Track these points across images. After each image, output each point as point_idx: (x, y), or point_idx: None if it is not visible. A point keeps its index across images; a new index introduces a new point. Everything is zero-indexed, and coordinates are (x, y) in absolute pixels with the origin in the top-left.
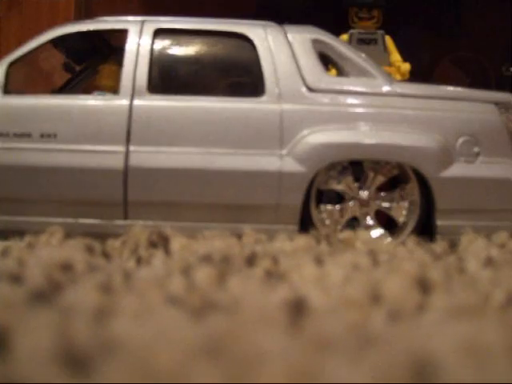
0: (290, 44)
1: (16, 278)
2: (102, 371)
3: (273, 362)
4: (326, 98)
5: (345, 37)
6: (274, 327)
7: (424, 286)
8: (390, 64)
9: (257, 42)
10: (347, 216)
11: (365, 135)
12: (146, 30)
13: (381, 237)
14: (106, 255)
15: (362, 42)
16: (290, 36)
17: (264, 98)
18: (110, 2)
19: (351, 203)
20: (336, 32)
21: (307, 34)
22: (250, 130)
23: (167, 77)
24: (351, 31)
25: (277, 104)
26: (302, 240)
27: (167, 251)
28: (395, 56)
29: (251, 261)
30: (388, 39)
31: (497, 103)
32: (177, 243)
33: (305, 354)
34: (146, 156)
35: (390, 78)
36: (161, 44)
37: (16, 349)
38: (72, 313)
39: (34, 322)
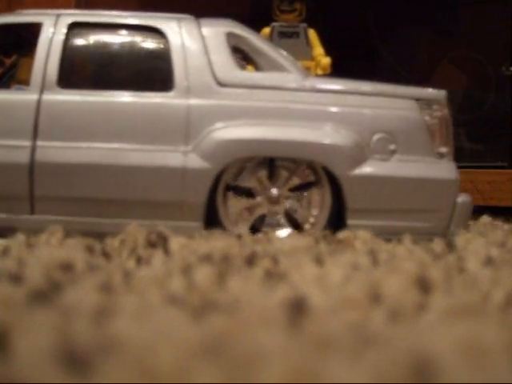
0: (203, 38)
1: (16, 278)
2: (101, 371)
3: (273, 362)
4: (237, 92)
5: (267, 30)
6: (274, 327)
7: (424, 285)
8: (312, 58)
9: (170, 36)
10: (256, 213)
11: (272, 131)
12: (60, 24)
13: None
14: (105, 255)
15: (284, 36)
16: (204, 30)
17: (172, 93)
18: (109, 2)
19: (259, 199)
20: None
21: (221, 28)
22: (156, 125)
23: (79, 71)
24: (273, 24)
25: (184, 99)
26: (302, 240)
27: (166, 251)
28: (317, 50)
29: (251, 261)
30: (311, 33)
31: (418, 99)
32: (176, 243)
33: (305, 353)
34: (52, 151)
35: (304, 73)
36: (75, 38)
37: (16, 349)
38: (72, 313)
39: (34, 322)
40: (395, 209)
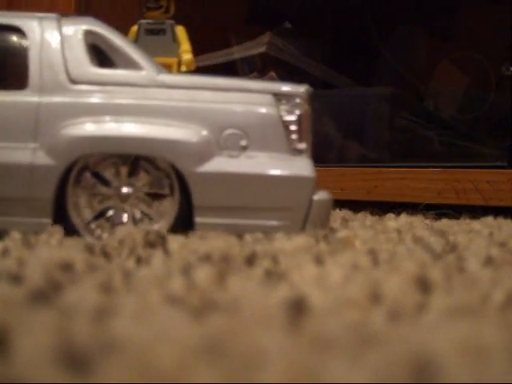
0: (62, 36)
1: (15, 278)
2: (101, 371)
3: (273, 362)
4: (89, 89)
5: (135, 28)
6: (274, 327)
7: (424, 285)
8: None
9: (29, 35)
10: (103, 205)
11: (118, 128)
12: None
13: None
14: (105, 255)
15: (150, 33)
16: (64, 28)
17: (26, 91)
18: (110, 0)
19: (109, 192)
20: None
21: (80, 26)
22: (7, 123)
23: None
24: (140, 21)
25: (36, 97)
26: (302, 239)
27: (166, 251)
28: (183, 46)
29: (251, 260)
30: (179, 30)
31: (275, 94)
32: (175, 243)
33: (305, 353)
34: None
35: (159, 70)
36: None
37: (15, 349)
38: (72, 313)
39: (34, 322)
40: (246, 206)
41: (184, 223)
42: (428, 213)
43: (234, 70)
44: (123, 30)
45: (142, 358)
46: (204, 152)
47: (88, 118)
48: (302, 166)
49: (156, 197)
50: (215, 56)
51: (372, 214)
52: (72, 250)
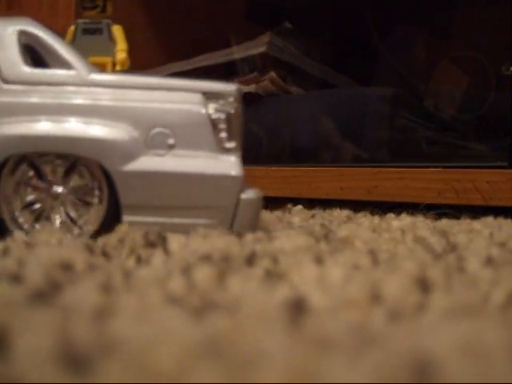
0: None
1: (15, 278)
2: (101, 371)
3: (273, 362)
4: (20, 89)
5: (72, 28)
6: (274, 327)
7: (424, 285)
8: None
9: None
10: (28, 199)
11: (46, 127)
12: None
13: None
14: (105, 255)
15: (87, 32)
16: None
17: None
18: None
19: (40, 185)
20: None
21: (14, 26)
22: None
23: None
24: (77, 21)
25: None
26: (302, 239)
27: (166, 250)
28: (119, 46)
29: (251, 260)
30: (116, 29)
31: (204, 93)
32: (176, 242)
33: (305, 353)
34: None
35: (90, 69)
36: None
37: (15, 349)
38: (72, 312)
39: (34, 322)
40: (173, 205)
41: (112, 222)
42: (428, 213)
43: (234, 70)
44: (128, 30)
45: (142, 358)
46: (131, 151)
47: (19, 117)
48: (230, 165)
49: (85, 203)
50: (215, 56)
51: (372, 213)
52: (72, 250)
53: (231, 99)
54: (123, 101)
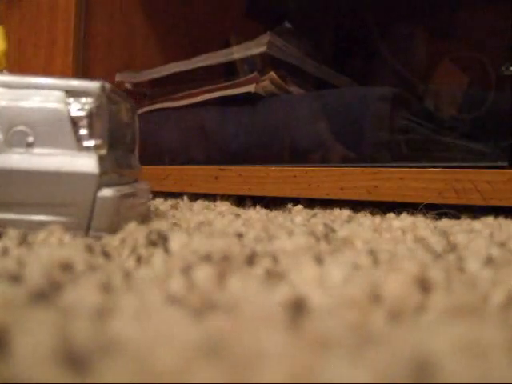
0: None
1: (15, 278)
2: (101, 371)
3: (273, 362)
4: None
5: None
6: (274, 326)
7: (424, 285)
8: None
9: None
10: None
11: None
12: None
13: None
14: (105, 254)
15: None
16: None
17: None
18: (110, 1)
19: None
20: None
21: None
22: None
23: None
24: None
25: None
26: (303, 239)
27: (167, 250)
28: None
29: (251, 260)
30: None
31: (67, 91)
32: (176, 242)
33: (305, 353)
34: None
35: None
36: None
37: (15, 349)
38: (72, 313)
39: (34, 322)
40: (30, 202)
41: None
42: (428, 213)
43: (234, 70)
44: (125, 35)
45: (142, 358)
46: None
47: None
48: (87, 163)
49: None
50: (215, 56)
51: (372, 213)
52: (72, 250)
53: (93, 97)
54: None
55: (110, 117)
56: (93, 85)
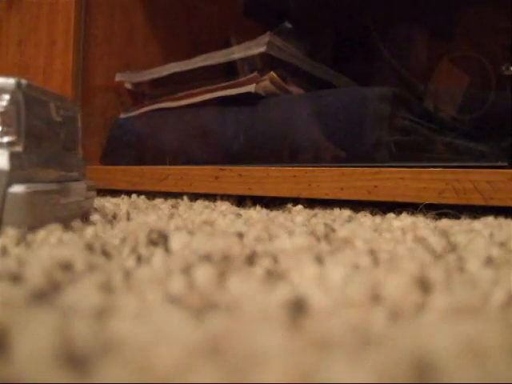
0: None
1: (15, 278)
2: (101, 371)
3: (273, 362)
4: None
5: None
6: (274, 327)
7: (424, 285)
8: None
9: None
10: None
11: None
12: None
13: None
14: (105, 254)
15: None
16: None
17: None
18: (110, 1)
19: None
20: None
21: None
22: None
23: None
24: None
25: None
26: (303, 239)
27: (167, 250)
28: None
29: (251, 260)
30: None
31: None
32: (177, 242)
33: (305, 353)
34: None
35: None
36: None
37: (15, 349)
38: (72, 312)
39: (34, 322)
40: None
41: None
42: (428, 213)
43: (234, 70)
44: (125, 35)
45: (142, 358)
46: None
47: None
48: None
49: None
50: (215, 56)
51: (372, 213)
52: (72, 249)
53: (8, 94)
54: None
55: (30, 114)
56: (8, 81)
